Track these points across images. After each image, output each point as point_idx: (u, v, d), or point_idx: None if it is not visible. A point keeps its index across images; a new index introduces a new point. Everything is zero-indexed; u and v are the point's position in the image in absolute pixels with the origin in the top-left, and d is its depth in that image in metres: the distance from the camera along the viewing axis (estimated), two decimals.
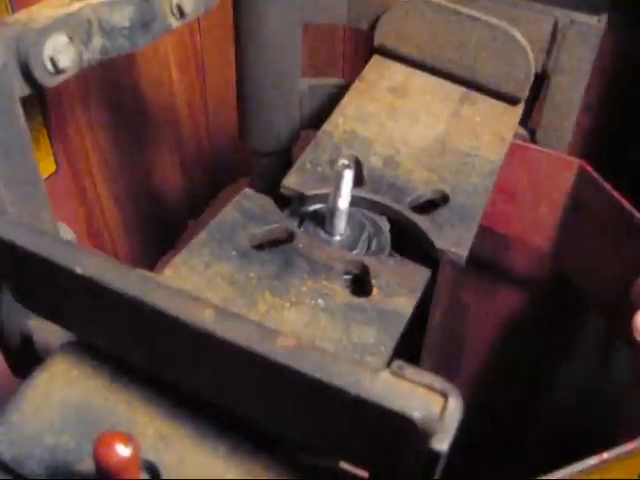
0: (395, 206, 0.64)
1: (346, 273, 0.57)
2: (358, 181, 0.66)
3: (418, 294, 0.57)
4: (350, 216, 0.62)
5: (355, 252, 0.61)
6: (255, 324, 0.35)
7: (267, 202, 0.63)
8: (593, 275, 0.79)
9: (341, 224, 0.61)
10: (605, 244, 0.76)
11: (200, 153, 1.33)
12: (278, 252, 0.57)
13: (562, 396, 1.18)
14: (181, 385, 0.40)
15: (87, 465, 0.38)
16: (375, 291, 0.56)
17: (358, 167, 0.67)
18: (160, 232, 1.28)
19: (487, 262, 1.12)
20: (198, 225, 1.26)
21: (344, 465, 0.44)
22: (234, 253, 0.56)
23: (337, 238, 0.62)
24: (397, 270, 0.58)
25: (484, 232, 1.01)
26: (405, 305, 0.55)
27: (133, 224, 1.23)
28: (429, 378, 0.33)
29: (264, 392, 0.36)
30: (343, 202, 0.60)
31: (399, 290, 0.56)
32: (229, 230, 0.58)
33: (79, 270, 0.37)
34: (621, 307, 0.79)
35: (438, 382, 0.33)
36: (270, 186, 0.68)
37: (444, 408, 0.31)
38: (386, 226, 0.64)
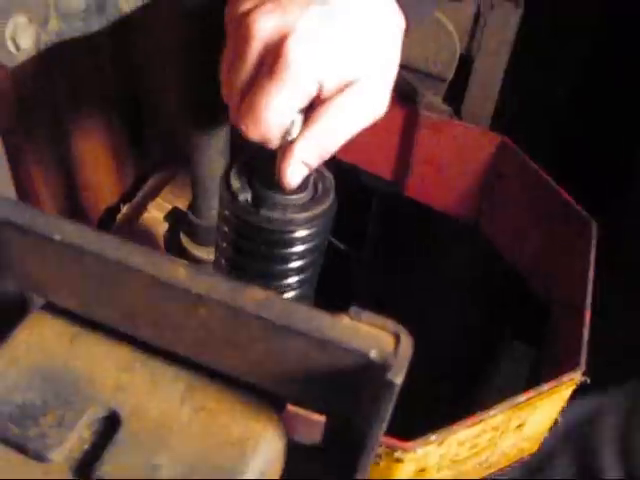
0: None
1: None
2: None
3: None
4: None
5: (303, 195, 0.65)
6: (225, 279, 0.39)
7: None
8: (512, 241, 0.85)
9: None
10: (523, 213, 0.83)
11: (131, 138, 1.33)
12: None
13: None
14: (153, 342, 0.44)
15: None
16: None
17: None
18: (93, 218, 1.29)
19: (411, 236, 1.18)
20: (131, 208, 1.29)
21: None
22: None
23: None
24: None
25: (412, 205, 1.07)
26: None
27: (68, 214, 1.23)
28: (382, 320, 0.37)
29: (234, 343, 0.40)
30: None
31: None
32: None
33: (58, 237, 0.40)
34: (539, 273, 0.86)
35: (390, 324, 0.37)
36: None
37: (397, 346, 0.36)
38: (328, 172, 0.69)
